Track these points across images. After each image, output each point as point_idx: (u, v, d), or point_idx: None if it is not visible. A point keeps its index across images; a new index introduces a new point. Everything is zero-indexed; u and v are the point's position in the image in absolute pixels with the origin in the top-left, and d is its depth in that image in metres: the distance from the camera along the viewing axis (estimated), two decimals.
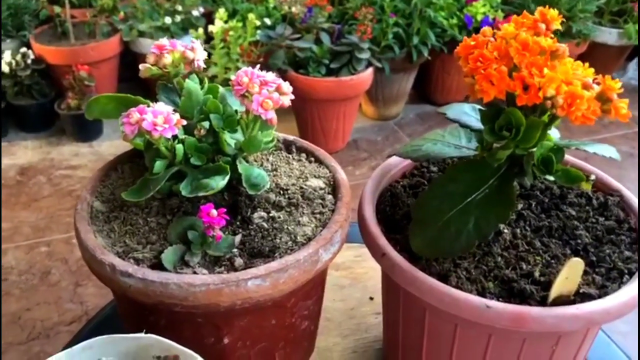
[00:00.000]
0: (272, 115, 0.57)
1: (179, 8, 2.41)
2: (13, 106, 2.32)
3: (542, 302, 0.53)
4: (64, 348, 0.51)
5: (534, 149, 0.55)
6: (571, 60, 0.53)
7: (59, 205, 2.00)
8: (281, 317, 0.59)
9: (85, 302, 1.63)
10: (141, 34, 2.40)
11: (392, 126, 2.51)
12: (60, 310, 1.60)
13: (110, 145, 2.33)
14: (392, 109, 2.52)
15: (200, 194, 0.56)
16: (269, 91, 0.57)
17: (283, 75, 0.59)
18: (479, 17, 2.33)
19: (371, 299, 0.83)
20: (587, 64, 0.53)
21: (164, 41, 0.60)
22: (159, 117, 0.53)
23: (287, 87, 0.59)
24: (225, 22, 2.08)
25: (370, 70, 2.16)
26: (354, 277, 0.87)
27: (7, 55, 2.25)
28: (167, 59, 0.59)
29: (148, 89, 2.56)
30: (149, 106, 0.55)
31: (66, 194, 2.06)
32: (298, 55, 2.10)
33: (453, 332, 0.56)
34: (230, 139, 0.59)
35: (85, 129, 2.33)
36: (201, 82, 0.62)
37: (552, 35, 0.53)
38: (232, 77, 0.58)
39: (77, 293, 1.66)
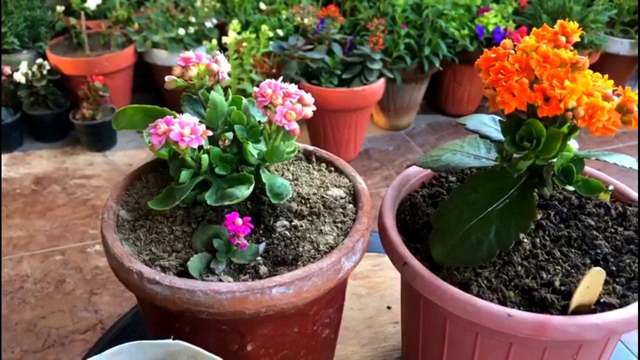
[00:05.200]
0: (295, 126, 0.58)
1: (193, 20, 2.44)
2: (29, 116, 2.35)
3: (563, 311, 0.54)
4: (88, 354, 0.52)
5: (554, 160, 0.56)
6: (591, 72, 0.54)
7: (73, 214, 2.02)
8: (303, 325, 0.60)
9: (100, 311, 1.64)
10: (155, 45, 2.43)
11: (403, 136, 2.52)
12: (75, 319, 1.62)
13: (124, 155, 2.35)
14: (404, 119, 2.53)
15: (226, 203, 0.57)
16: (292, 102, 0.58)
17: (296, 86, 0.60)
18: (491, 28, 2.34)
19: (389, 308, 0.84)
20: (606, 76, 0.54)
21: (190, 54, 0.61)
22: (186, 128, 0.55)
23: (309, 98, 0.60)
24: (239, 33, 2.10)
25: (382, 80, 2.17)
26: (372, 286, 0.87)
27: (23, 66, 2.28)
28: (193, 72, 0.60)
29: (162, 99, 2.58)
30: (175, 117, 0.56)
31: (80, 203, 2.08)
32: (310, 66, 2.12)
33: (474, 340, 0.57)
34: (254, 149, 0.60)
35: (100, 139, 2.36)
36: (225, 92, 0.63)
37: (572, 48, 0.54)
38: (255, 89, 0.59)
39: (91, 302, 1.67)
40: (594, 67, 0.52)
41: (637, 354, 0.78)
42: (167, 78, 0.61)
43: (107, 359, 0.48)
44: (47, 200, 2.09)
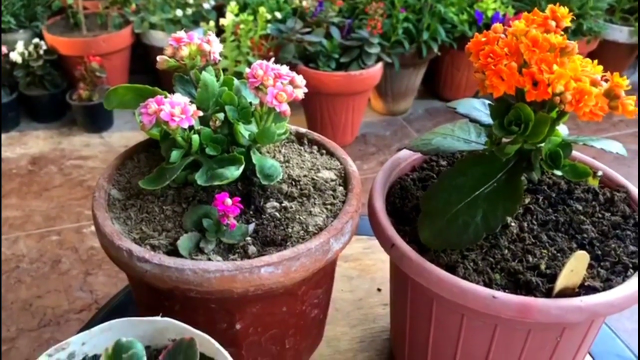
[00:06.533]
0: (285, 107, 0.58)
1: (190, 1, 2.43)
2: (25, 96, 2.34)
3: (548, 294, 0.54)
4: (81, 330, 0.52)
5: (542, 144, 0.56)
6: (580, 57, 0.54)
7: (69, 194, 2.03)
8: (292, 305, 0.61)
9: (95, 291, 1.65)
10: (152, 26, 2.42)
11: (400, 121, 2.52)
12: (70, 299, 1.63)
13: (121, 137, 2.35)
14: (401, 104, 2.53)
15: (215, 183, 0.57)
16: (283, 84, 0.58)
17: (293, 69, 0.60)
18: (490, 13, 2.33)
19: (379, 290, 0.85)
20: (595, 61, 0.54)
21: (181, 34, 0.61)
22: (177, 108, 0.55)
23: (300, 80, 0.60)
24: (236, 15, 2.09)
25: (379, 65, 2.17)
26: (363, 268, 0.88)
27: (19, 46, 2.27)
28: (184, 52, 0.60)
29: (159, 81, 2.58)
30: (166, 97, 0.56)
31: (77, 184, 2.08)
32: (308, 49, 2.11)
33: (459, 322, 0.57)
34: (245, 130, 0.61)
35: (96, 120, 2.35)
36: (216, 74, 0.63)
37: (562, 33, 0.54)
38: (247, 70, 0.59)
39: (87, 282, 1.68)
40: (592, 55, 0.51)
41: (623, 340, 0.79)
42: (159, 58, 0.61)
43: (96, 334, 0.48)
44: (43, 180, 2.10)
